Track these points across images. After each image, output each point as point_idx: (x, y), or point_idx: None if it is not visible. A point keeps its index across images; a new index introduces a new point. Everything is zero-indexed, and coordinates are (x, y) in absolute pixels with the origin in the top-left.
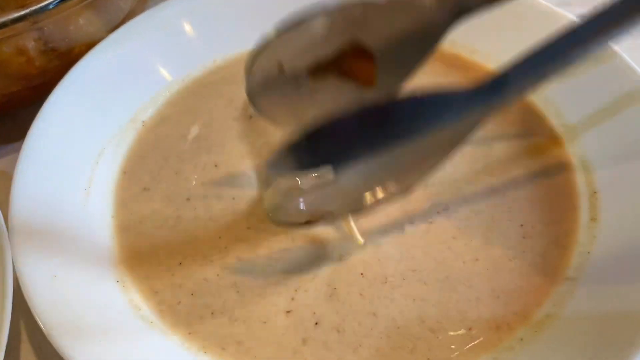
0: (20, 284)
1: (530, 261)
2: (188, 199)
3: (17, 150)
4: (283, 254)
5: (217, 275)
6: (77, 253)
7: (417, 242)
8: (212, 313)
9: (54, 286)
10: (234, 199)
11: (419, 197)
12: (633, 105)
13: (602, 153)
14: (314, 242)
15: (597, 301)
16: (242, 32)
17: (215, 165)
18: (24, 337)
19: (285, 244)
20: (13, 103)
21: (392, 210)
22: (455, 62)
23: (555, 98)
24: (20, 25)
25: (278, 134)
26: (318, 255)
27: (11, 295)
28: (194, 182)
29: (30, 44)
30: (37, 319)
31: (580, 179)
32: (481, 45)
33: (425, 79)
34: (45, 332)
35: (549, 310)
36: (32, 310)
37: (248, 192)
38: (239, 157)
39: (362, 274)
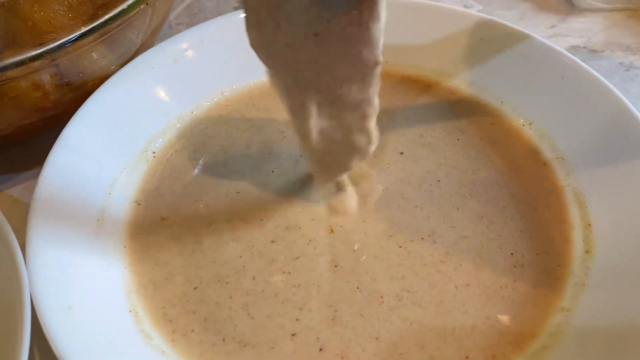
0: (37, 314)
1: (522, 290)
2: (210, 224)
3: (29, 178)
4: (295, 263)
5: (230, 297)
6: (91, 284)
7: (404, 261)
8: (224, 339)
9: (69, 317)
10: (262, 220)
11: (404, 221)
12: (627, 139)
13: (596, 185)
14: (318, 246)
15: (594, 332)
16: (248, 65)
17: (238, 192)
18: None
19: (298, 251)
20: (26, 132)
21: (378, 226)
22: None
23: (549, 129)
24: (37, 63)
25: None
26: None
27: (29, 325)
28: (216, 208)
29: (46, 79)
30: (54, 349)
31: (573, 211)
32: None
33: None
34: (57, 353)
35: (545, 341)
36: (49, 340)
37: (277, 213)
38: (261, 185)
39: (358, 288)
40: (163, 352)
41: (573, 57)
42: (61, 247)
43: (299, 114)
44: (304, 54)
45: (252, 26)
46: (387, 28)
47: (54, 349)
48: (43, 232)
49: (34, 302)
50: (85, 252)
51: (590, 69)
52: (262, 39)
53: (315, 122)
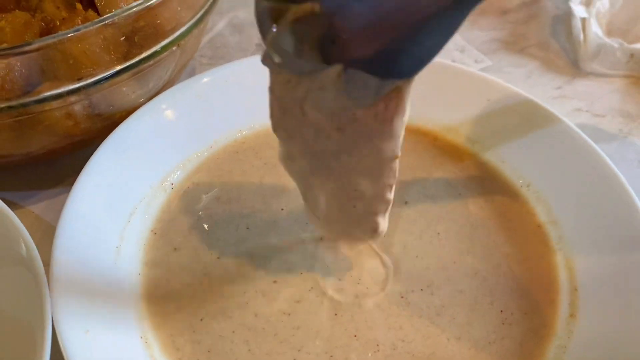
0: (57, 335)
1: (509, 347)
2: (218, 258)
3: (51, 196)
4: (296, 306)
5: (233, 332)
6: (106, 309)
7: (403, 312)
8: None
9: (86, 340)
10: (266, 257)
11: (404, 270)
12: (617, 212)
13: (585, 251)
14: (321, 293)
15: None
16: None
17: (247, 228)
18: None
19: (299, 295)
20: (52, 154)
21: (378, 278)
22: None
23: (546, 193)
24: (74, 97)
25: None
26: (322, 308)
27: (49, 345)
28: (225, 241)
29: (78, 109)
30: None
31: (562, 275)
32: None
33: None
34: None
35: None
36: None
37: (280, 252)
38: (270, 223)
39: (355, 336)
40: None
41: (572, 126)
42: (82, 271)
43: (307, 194)
44: (325, 145)
45: (278, 111)
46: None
47: None
48: (67, 256)
49: (55, 323)
50: (103, 278)
51: (588, 139)
52: (287, 122)
53: (324, 205)
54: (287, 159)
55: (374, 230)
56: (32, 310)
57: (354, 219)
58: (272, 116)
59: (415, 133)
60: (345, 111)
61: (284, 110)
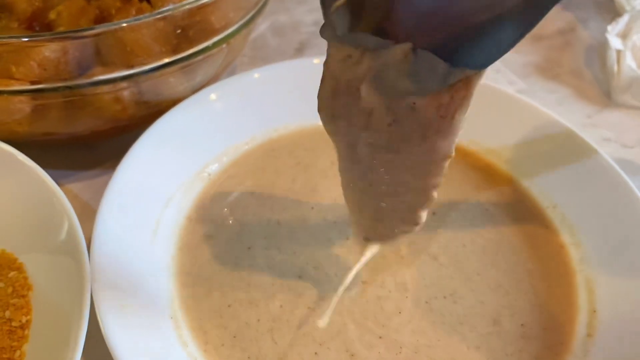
0: (95, 306)
1: None
2: (249, 248)
3: (90, 177)
4: (319, 303)
5: (258, 320)
6: (141, 287)
7: (425, 317)
8: (248, 357)
9: (122, 313)
10: (294, 253)
11: (429, 277)
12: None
13: (606, 274)
14: (347, 294)
15: None
16: (302, 108)
17: (278, 223)
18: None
19: (323, 292)
20: (96, 136)
21: (402, 283)
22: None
23: (571, 216)
24: (125, 83)
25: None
26: (345, 307)
27: (87, 316)
28: (256, 234)
29: (127, 95)
30: (106, 339)
31: (582, 296)
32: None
33: None
34: (108, 344)
35: None
36: (103, 331)
37: (308, 248)
38: (300, 220)
39: (380, 338)
40: (195, 359)
41: (605, 155)
42: (120, 249)
43: (347, 182)
44: (374, 134)
45: (330, 90)
46: None
47: (106, 339)
48: (107, 234)
49: (93, 296)
50: (139, 258)
51: (617, 167)
52: (337, 103)
53: (363, 195)
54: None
55: (415, 224)
56: (72, 283)
57: (394, 214)
58: (321, 95)
59: None
60: (405, 98)
61: (337, 89)
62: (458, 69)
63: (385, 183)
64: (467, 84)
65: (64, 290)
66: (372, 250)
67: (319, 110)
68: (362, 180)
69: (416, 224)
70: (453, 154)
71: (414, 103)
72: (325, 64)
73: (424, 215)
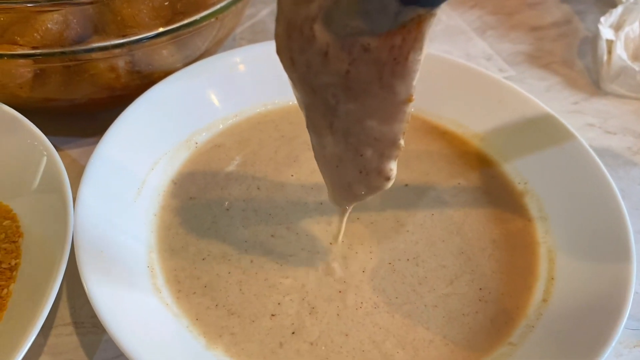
0: (75, 252)
1: (481, 321)
2: (227, 210)
3: (89, 144)
4: (289, 259)
5: (229, 273)
6: (121, 237)
7: (388, 276)
8: (217, 305)
9: (99, 259)
10: (270, 215)
11: (394, 241)
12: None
13: (568, 248)
14: (314, 252)
15: None
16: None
17: (258, 188)
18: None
19: (293, 250)
20: (93, 106)
21: (371, 242)
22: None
23: (540, 192)
24: (118, 50)
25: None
26: (312, 264)
27: (66, 261)
28: (235, 197)
29: (121, 64)
30: (83, 280)
31: (542, 265)
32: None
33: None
34: (83, 281)
35: None
36: (80, 272)
37: (283, 211)
38: (278, 185)
39: (340, 292)
40: (167, 304)
41: (580, 138)
42: (104, 202)
43: (314, 133)
44: (332, 75)
45: (284, 31)
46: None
47: (82, 279)
48: (92, 188)
49: (74, 241)
50: (122, 212)
51: (591, 151)
52: (293, 44)
53: (331, 148)
54: (293, 89)
55: (386, 179)
56: (57, 228)
57: (362, 163)
58: (277, 35)
59: (427, 126)
60: (358, 37)
61: (291, 29)
62: (409, 7)
63: (353, 133)
64: (419, 24)
65: (51, 238)
66: (349, 211)
67: (277, 52)
68: (330, 132)
69: (387, 178)
70: (414, 97)
71: (368, 44)
72: (278, 3)
73: (394, 167)
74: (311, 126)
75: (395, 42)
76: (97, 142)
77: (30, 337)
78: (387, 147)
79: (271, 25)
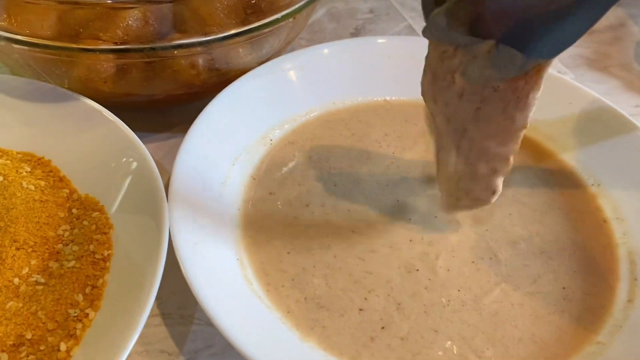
0: (173, 245)
1: (567, 320)
2: (307, 205)
3: (162, 139)
4: (371, 255)
5: (314, 266)
6: (212, 231)
7: (472, 275)
8: (305, 298)
9: (195, 250)
10: (349, 210)
11: (475, 240)
12: None
13: None
14: (396, 249)
15: None
16: (359, 84)
17: (335, 184)
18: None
19: (374, 246)
20: (169, 101)
21: (452, 244)
22: None
23: (614, 193)
24: (199, 48)
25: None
26: (394, 261)
27: (165, 255)
28: (314, 193)
29: (201, 61)
30: (184, 271)
31: (623, 266)
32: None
33: None
34: (185, 275)
35: None
36: (181, 264)
37: (361, 207)
38: (354, 182)
39: (425, 288)
40: (259, 297)
41: None
42: (194, 195)
43: (443, 151)
44: (465, 110)
45: (430, 79)
46: None
47: (183, 271)
48: (182, 182)
49: (171, 233)
50: (211, 205)
51: None
52: (436, 88)
53: (454, 165)
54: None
55: (493, 192)
56: (151, 226)
57: (477, 177)
58: (424, 82)
59: None
60: (489, 82)
61: (435, 77)
62: (532, 59)
63: (474, 151)
64: (538, 71)
65: (144, 230)
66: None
67: (422, 94)
68: (456, 153)
69: (494, 192)
70: (527, 125)
71: (497, 86)
72: (426, 58)
73: (500, 183)
74: (441, 147)
75: (518, 85)
76: (170, 137)
77: (138, 327)
78: (499, 163)
79: (328, 25)
